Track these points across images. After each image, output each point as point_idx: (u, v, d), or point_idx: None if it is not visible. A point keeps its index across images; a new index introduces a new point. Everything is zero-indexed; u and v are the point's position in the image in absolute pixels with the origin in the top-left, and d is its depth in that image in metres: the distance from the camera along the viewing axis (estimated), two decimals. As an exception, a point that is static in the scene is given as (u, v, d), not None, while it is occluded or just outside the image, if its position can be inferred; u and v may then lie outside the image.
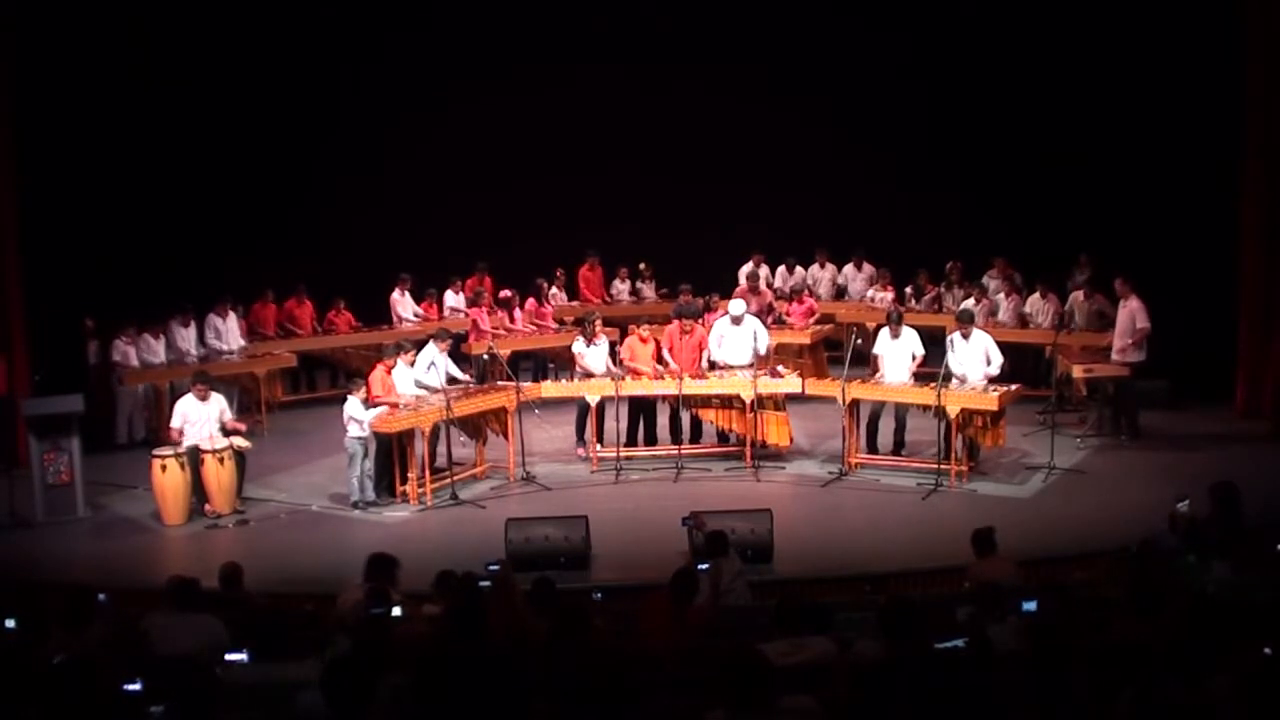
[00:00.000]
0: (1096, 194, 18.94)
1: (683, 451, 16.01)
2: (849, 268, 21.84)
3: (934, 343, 16.25)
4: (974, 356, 15.12)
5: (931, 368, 15.62)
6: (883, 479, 15.14)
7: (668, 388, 15.86)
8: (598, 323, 16.73)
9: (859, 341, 16.00)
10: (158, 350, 18.11)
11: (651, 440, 16.50)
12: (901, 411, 15.69)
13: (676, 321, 16.57)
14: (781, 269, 21.91)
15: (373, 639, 7.71)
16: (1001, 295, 19.12)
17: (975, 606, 8.70)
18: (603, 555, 12.66)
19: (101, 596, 9.78)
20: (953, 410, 14.52)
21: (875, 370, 15.69)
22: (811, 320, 19.56)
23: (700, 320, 17.20)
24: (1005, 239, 19.86)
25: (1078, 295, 18.05)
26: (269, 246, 20.59)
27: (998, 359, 15.18)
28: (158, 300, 18.51)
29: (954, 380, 14.99)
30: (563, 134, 22.05)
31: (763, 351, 16.30)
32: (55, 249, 17.31)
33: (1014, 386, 15.12)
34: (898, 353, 15.57)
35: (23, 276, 16.96)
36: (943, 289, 20.15)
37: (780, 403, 15.81)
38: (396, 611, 8.88)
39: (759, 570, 11.73)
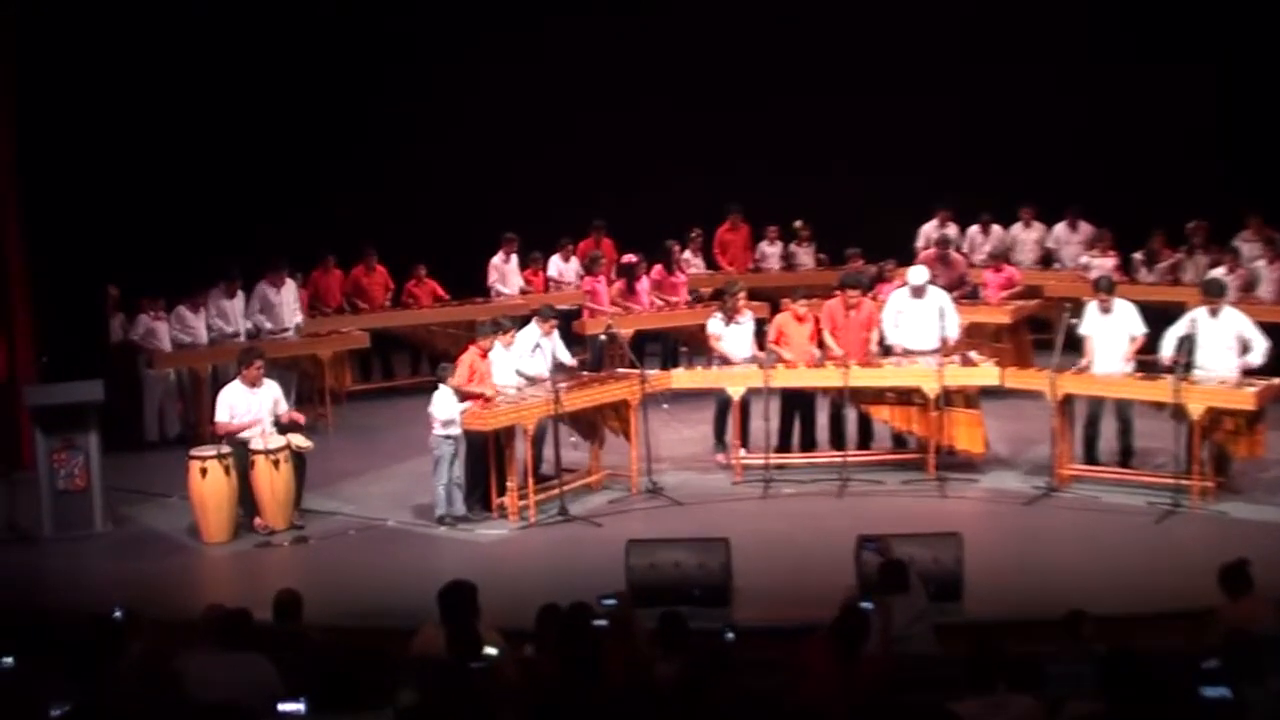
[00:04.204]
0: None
1: (848, 459, 15.92)
2: (1060, 228, 21.57)
3: (1171, 323, 15.92)
4: (1223, 340, 14.82)
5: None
6: (1104, 496, 14.95)
7: (829, 378, 15.77)
8: (741, 295, 16.66)
9: (1074, 321, 15.75)
10: (196, 327, 18.29)
11: (809, 444, 16.46)
12: (1127, 410, 15.44)
13: (840, 294, 16.43)
14: (974, 229, 21.70)
15: (454, 688, 7.72)
16: (1262, 262, 18.79)
17: (1225, 661, 8.50)
18: (747, 588, 12.59)
19: (118, 613, 9.88)
20: (1196, 410, 14.25)
21: (1085, 355, 15.51)
22: (1010, 294, 19.33)
23: (871, 293, 17.07)
24: (1268, 193, 19.47)
25: None
26: (331, 200, 20.81)
27: (1260, 344, 14.85)
28: (197, 265, 18.73)
29: (1195, 370, 14.70)
30: (700, 55, 22.07)
31: (953, 336, 16.14)
32: (68, 200, 17.46)
33: (1276, 380, 14.80)
34: (1111, 332, 15.35)
35: (26, 233, 17.19)
36: (1183, 255, 19.83)
37: (972, 398, 15.69)
38: (491, 651, 8.88)
39: (944, 610, 11.62)
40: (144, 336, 17.97)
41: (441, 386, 14.80)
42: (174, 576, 13.81)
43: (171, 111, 19.36)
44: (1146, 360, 15.49)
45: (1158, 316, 15.68)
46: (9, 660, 8.54)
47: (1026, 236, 21.78)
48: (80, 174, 17.66)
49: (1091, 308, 15.52)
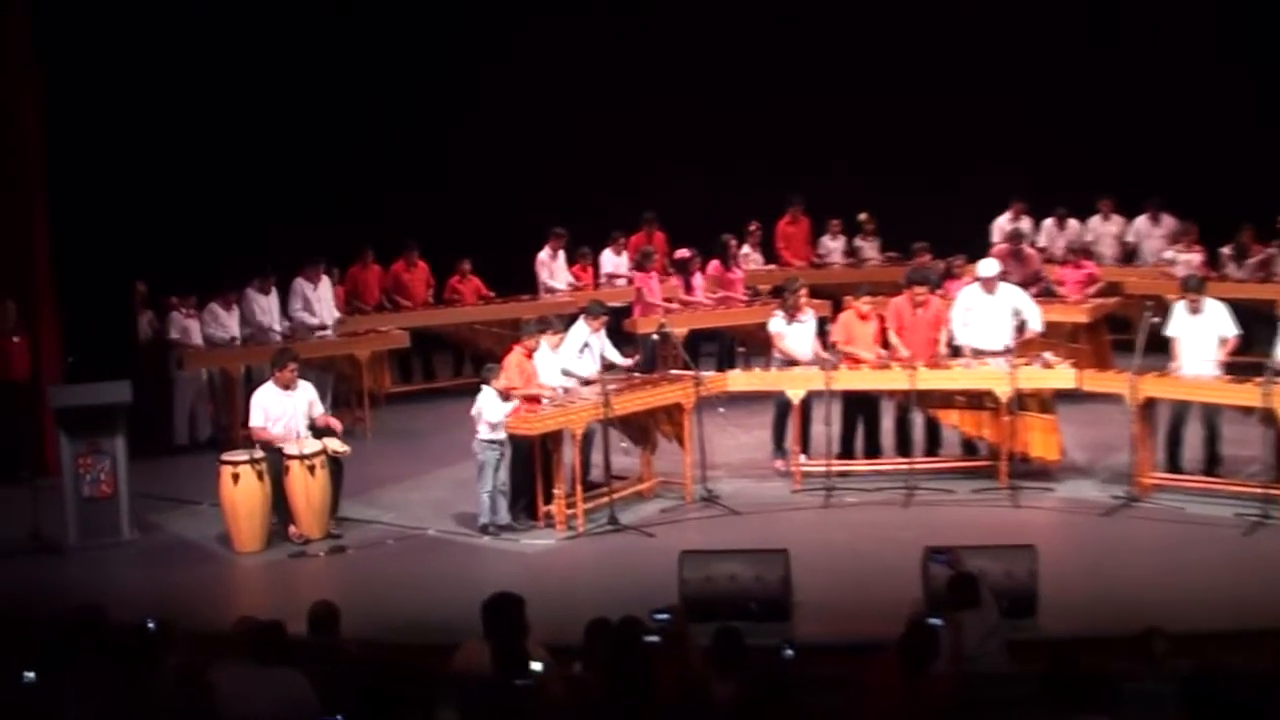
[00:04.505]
0: None
1: (915, 466, 15.88)
2: (1141, 221, 21.52)
3: (1262, 322, 15.84)
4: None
5: (1256, 355, 15.28)
6: (1188, 507, 14.85)
7: (895, 380, 15.73)
8: (802, 292, 16.66)
9: (1155, 320, 15.65)
10: (229, 325, 18.40)
11: (873, 450, 16.43)
12: (1214, 416, 15.34)
13: (907, 291, 16.40)
14: (1049, 223, 21.63)
15: (497, 707, 7.71)
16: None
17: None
18: (807, 602, 12.56)
19: (151, 624, 9.90)
20: (1286, 414, 14.17)
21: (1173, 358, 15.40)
22: (1091, 291, 19.25)
23: (940, 290, 17.01)
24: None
25: None
26: (369, 194, 20.85)
27: None
28: (230, 261, 18.80)
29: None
30: (757, 40, 22.03)
31: (1036, 328, 16.09)
32: (96, 193, 17.54)
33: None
34: (1199, 334, 15.24)
35: (52, 229, 17.26)
36: (1275, 249, 19.73)
37: (1047, 402, 15.61)
38: (537, 667, 8.87)
39: (1018, 626, 11.56)
40: (178, 334, 18.01)
41: (485, 388, 14.79)
42: (204, 587, 13.84)
43: (195, 108, 19.44)
44: (1240, 363, 15.37)
45: (1247, 315, 15.57)
46: (31, 675, 8.57)
47: (1105, 230, 21.69)
48: (106, 169, 17.72)
49: (1179, 308, 15.40)
